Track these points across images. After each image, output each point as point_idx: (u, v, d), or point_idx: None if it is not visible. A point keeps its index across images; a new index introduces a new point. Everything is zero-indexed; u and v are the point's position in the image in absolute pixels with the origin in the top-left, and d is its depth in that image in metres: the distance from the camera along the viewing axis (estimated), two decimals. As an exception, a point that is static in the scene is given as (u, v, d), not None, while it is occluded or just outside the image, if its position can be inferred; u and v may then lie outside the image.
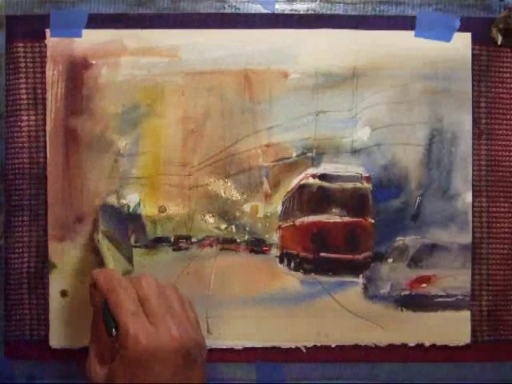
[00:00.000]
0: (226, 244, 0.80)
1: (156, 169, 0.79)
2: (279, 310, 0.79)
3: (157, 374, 0.54)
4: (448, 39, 0.79)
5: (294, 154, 0.79)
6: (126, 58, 0.78)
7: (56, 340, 0.79)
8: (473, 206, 0.79)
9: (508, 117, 0.80)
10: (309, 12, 0.79)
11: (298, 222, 0.80)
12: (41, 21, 0.78)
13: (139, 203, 0.79)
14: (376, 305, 0.79)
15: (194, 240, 0.79)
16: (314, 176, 0.80)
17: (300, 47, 0.79)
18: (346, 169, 0.79)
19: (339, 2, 0.79)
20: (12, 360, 0.80)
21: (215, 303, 0.79)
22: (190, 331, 0.59)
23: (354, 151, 0.79)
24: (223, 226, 0.80)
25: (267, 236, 0.80)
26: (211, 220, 0.80)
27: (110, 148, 0.79)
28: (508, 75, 0.80)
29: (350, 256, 0.80)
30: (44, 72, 0.78)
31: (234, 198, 0.80)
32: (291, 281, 0.79)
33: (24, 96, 0.78)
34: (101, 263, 0.78)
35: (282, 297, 0.79)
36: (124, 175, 0.79)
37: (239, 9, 0.79)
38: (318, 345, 0.79)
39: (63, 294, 0.78)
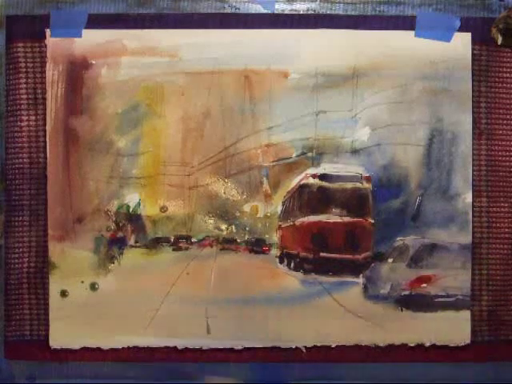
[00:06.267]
0: (226, 244, 0.80)
1: (156, 169, 0.79)
2: (279, 309, 0.79)
3: None
4: (448, 39, 0.79)
5: (294, 154, 0.79)
6: (126, 58, 0.78)
7: (56, 340, 0.79)
8: (473, 206, 0.79)
9: (508, 117, 0.80)
10: (309, 12, 0.79)
11: (298, 221, 0.80)
12: (41, 21, 0.78)
13: (139, 203, 0.79)
14: (376, 305, 0.79)
15: (193, 240, 0.79)
16: (314, 176, 0.80)
17: (300, 47, 0.79)
18: (346, 169, 0.80)
19: (339, 2, 0.79)
20: (12, 360, 0.80)
21: (215, 303, 0.78)
22: None
23: (354, 151, 0.79)
24: (223, 226, 0.80)
25: (267, 236, 0.80)
26: (211, 220, 0.80)
27: (110, 148, 0.79)
28: (508, 75, 0.80)
29: (350, 256, 0.80)
30: (44, 72, 0.78)
31: (233, 198, 0.80)
32: (291, 281, 0.79)
33: (24, 96, 0.78)
34: (101, 264, 0.78)
35: (282, 297, 0.79)
36: (124, 175, 0.79)
37: (239, 9, 0.79)
38: (318, 345, 0.79)
39: (63, 294, 0.78)
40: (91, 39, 0.78)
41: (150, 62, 0.78)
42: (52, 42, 0.78)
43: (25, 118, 0.79)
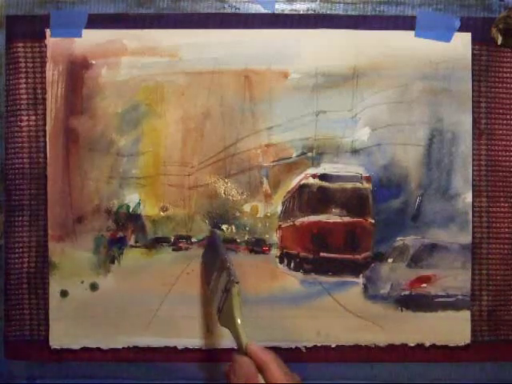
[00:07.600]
0: (226, 244, 0.79)
1: (156, 169, 0.79)
2: (279, 309, 0.79)
3: None
4: (448, 39, 0.79)
5: (294, 154, 0.79)
6: (126, 58, 0.78)
7: (56, 340, 0.79)
8: (473, 206, 0.79)
9: (508, 117, 0.80)
10: (309, 12, 0.79)
11: (298, 221, 0.80)
12: (41, 21, 0.78)
13: (139, 203, 0.79)
14: (376, 305, 0.79)
15: (193, 240, 0.79)
16: (314, 176, 0.80)
17: (300, 47, 0.79)
18: (346, 169, 0.80)
19: (339, 2, 0.79)
20: (12, 360, 0.80)
21: (215, 303, 0.78)
22: None
23: (354, 151, 0.79)
24: (223, 226, 0.80)
25: (267, 236, 0.80)
26: (211, 220, 0.80)
27: (110, 148, 0.79)
28: (508, 75, 0.80)
29: (350, 256, 0.80)
30: (44, 72, 0.78)
31: (234, 198, 0.80)
32: (291, 281, 0.79)
33: (24, 96, 0.78)
34: (101, 264, 0.78)
35: (282, 297, 0.79)
36: (124, 175, 0.79)
37: (239, 9, 0.79)
38: (318, 345, 0.79)
39: (63, 294, 0.79)
40: (91, 39, 0.78)
41: (149, 61, 0.78)
42: (52, 41, 0.78)
43: (25, 118, 0.79)
